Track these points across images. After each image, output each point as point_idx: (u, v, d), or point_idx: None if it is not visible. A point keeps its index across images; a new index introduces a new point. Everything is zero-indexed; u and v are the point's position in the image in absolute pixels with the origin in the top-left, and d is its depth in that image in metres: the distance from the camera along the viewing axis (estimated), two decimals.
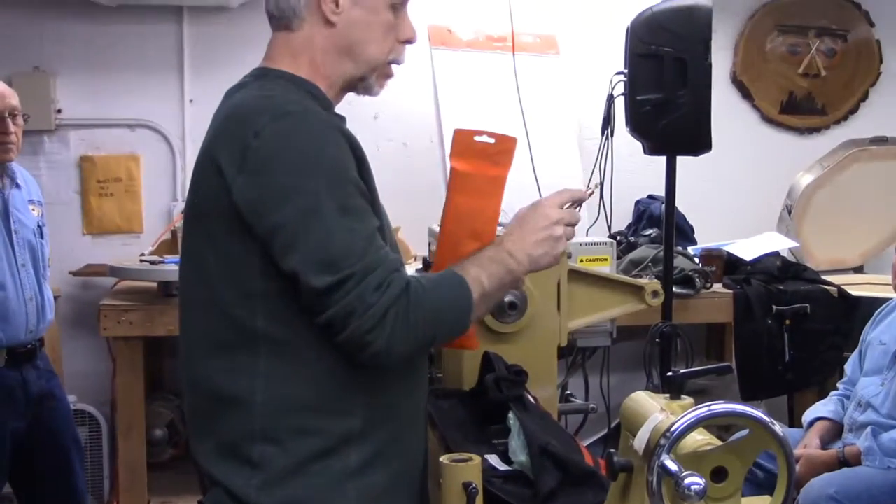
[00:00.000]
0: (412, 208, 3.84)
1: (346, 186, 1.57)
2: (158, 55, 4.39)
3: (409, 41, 1.80)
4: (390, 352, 1.56)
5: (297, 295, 1.57)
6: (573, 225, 1.80)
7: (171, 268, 3.73)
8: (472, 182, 1.84)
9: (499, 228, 2.30)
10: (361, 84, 1.78)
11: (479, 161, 1.84)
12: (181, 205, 4.31)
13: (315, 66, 1.73)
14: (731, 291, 3.98)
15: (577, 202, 1.83)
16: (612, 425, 3.98)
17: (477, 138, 1.85)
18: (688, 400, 1.55)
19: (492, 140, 1.85)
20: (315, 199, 1.54)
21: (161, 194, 4.44)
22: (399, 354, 1.57)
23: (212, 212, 1.61)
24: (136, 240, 4.40)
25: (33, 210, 3.20)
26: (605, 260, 3.01)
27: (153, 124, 4.42)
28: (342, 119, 1.75)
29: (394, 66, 1.80)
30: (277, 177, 1.55)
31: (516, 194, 4.23)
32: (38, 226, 3.19)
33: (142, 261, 3.92)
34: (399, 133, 4.53)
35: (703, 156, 3.49)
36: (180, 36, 4.39)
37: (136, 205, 4.40)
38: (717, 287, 4.01)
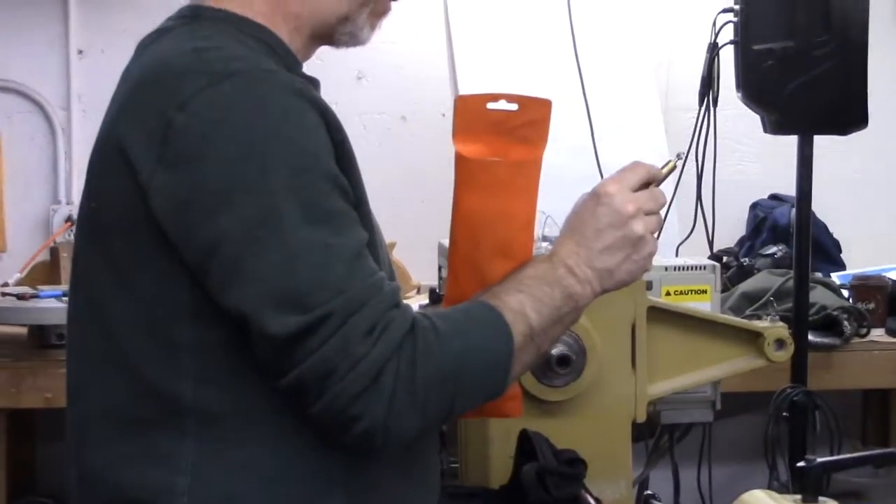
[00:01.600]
0: (414, 215, 3.88)
1: (319, 182, 1.59)
2: None
3: None
4: (390, 428, 1.56)
5: (244, 346, 1.59)
6: (656, 212, 1.81)
7: (49, 304, 3.74)
8: (488, 172, 1.83)
9: (542, 245, 2.33)
10: (344, 27, 1.81)
11: (496, 139, 1.84)
12: (66, 209, 4.35)
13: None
14: None
15: (655, 182, 1.84)
16: None
17: (491, 105, 1.84)
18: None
19: (514, 106, 1.85)
20: (270, 202, 1.55)
21: (34, 194, 4.46)
22: (402, 432, 1.58)
23: (117, 224, 1.64)
24: None
25: None
26: (705, 292, 3.02)
27: (21, 87, 4.45)
28: (314, 83, 1.78)
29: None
30: (213, 169, 1.56)
31: (572, 191, 4.27)
32: None
33: (4, 294, 3.94)
34: (395, 102, 4.56)
35: (856, 135, 3.50)
36: None
37: None
38: (878, 334, 4.01)
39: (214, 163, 1.56)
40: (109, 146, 1.66)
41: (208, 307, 1.59)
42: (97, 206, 1.69)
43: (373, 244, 1.67)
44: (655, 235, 1.82)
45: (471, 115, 1.84)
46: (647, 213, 1.79)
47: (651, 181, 1.84)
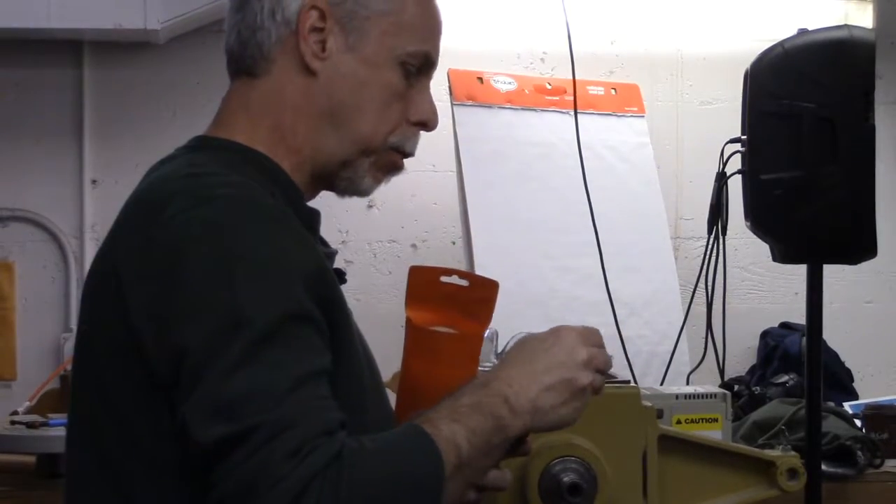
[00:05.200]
0: None
1: (281, 305, 1.57)
2: (45, 113, 4.50)
3: (424, 125, 1.85)
4: None
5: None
6: (604, 373, 1.78)
7: (58, 433, 3.72)
8: (433, 340, 1.91)
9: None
10: (344, 172, 1.83)
11: (446, 311, 1.92)
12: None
13: (279, 131, 1.78)
14: None
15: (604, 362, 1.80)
16: None
17: (444, 279, 1.93)
18: None
19: (464, 282, 1.91)
20: (230, 318, 1.54)
21: (46, 322, 4.50)
22: None
23: (105, 345, 1.64)
24: (7, 390, 4.42)
25: None
26: (716, 421, 3.01)
27: (35, 216, 4.51)
28: (314, 215, 1.80)
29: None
30: (183, 284, 1.56)
31: (583, 318, 4.26)
32: None
33: (14, 422, 3.93)
34: (405, 230, 4.58)
35: (866, 264, 3.51)
36: (79, 85, 4.51)
37: (7, 337, 4.46)
38: (893, 464, 3.98)
39: (184, 278, 1.56)
40: (104, 268, 1.67)
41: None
42: (89, 328, 1.69)
43: (362, 377, 1.68)
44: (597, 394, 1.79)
45: (424, 285, 1.94)
46: (597, 370, 1.77)
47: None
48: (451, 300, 1.92)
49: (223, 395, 1.51)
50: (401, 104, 1.81)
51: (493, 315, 1.99)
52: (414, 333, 1.91)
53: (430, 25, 1.85)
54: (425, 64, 1.83)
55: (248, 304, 1.55)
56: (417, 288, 1.93)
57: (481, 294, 1.92)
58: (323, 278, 1.67)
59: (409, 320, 1.91)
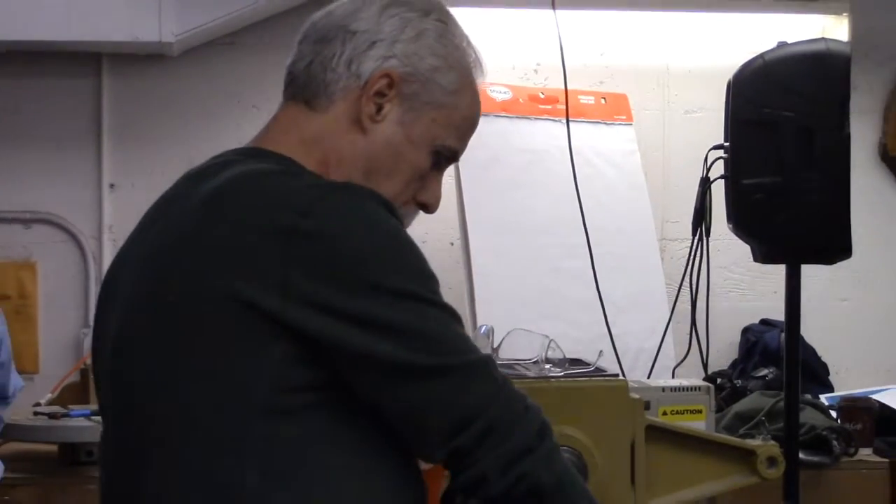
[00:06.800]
0: None
1: (439, 295, 1.70)
2: (65, 121, 4.54)
3: (426, 208, 1.91)
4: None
5: (313, 444, 1.63)
6: None
7: (78, 423, 3.76)
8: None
9: (546, 367, 2.37)
10: None
11: None
12: None
13: (325, 167, 1.80)
14: (886, 460, 4.02)
15: None
16: None
17: None
18: None
19: None
20: (417, 300, 1.66)
21: (67, 318, 4.53)
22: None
23: (200, 322, 1.64)
24: (30, 383, 4.35)
25: None
26: (700, 412, 3.02)
27: (56, 218, 4.55)
28: None
29: None
30: (357, 269, 1.63)
31: (573, 315, 4.25)
32: None
33: (36, 413, 3.97)
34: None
35: (841, 264, 3.55)
36: (97, 94, 4.54)
37: (30, 333, 4.48)
38: (866, 453, 4.03)
39: (355, 258, 1.63)
40: (196, 251, 1.67)
41: (285, 404, 1.62)
42: (172, 298, 1.67)
43: None
44: None
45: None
46: None
47: None
48: None
49: (471, 358, 1.69)
50: (418, 184, 1.87)
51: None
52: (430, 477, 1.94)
53: (470, 128, 1.91)
54: (452, 157, 1.90)
55: (424, 290, 1.67)
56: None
57: None
58: None
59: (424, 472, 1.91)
